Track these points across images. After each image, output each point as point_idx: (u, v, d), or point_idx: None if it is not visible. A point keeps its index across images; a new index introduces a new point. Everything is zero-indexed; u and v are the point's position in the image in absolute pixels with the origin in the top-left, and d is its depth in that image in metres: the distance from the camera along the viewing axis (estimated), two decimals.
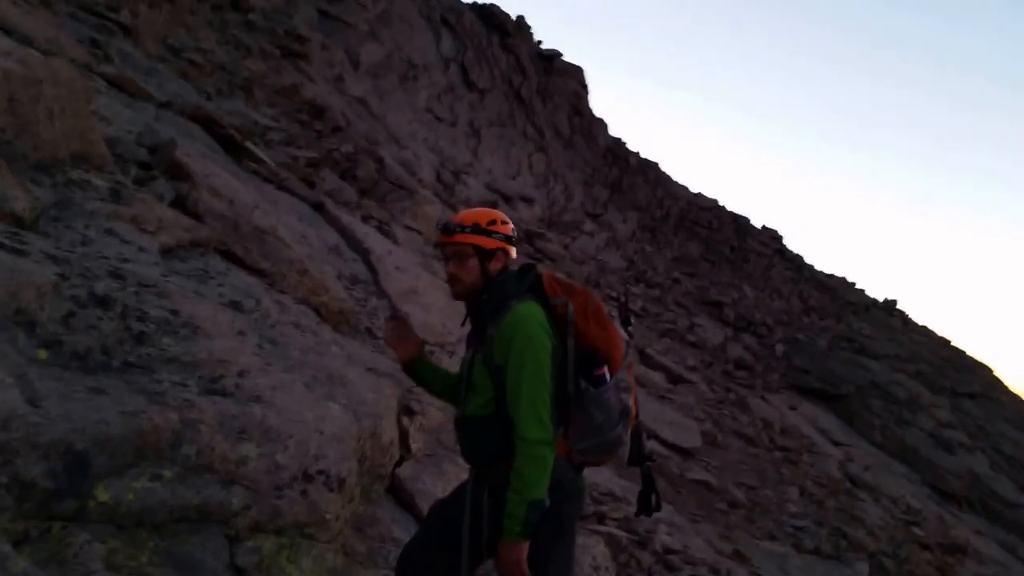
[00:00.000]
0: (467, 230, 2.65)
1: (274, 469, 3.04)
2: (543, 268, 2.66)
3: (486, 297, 2.66)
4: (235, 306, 4.07)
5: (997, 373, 30.93)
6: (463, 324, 2.86)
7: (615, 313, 2.73)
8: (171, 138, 5.66)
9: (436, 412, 5.51)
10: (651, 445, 11.30)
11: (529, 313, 2.53)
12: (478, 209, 2.84)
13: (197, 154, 6.22)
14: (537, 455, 2.41)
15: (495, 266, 2.67)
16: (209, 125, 7.75)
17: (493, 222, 2.70)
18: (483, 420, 2.65)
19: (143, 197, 4.49)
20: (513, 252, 2.76)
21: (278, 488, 3.05)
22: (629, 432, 2.67)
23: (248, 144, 8.18)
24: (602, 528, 6.41)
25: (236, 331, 3.66)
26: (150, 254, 3.99)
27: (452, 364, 8.02)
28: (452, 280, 2.72)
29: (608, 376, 2.55)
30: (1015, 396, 29.92)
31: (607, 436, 2.56)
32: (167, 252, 4.26)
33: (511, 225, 2.77)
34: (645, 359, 16.29)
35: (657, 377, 15.53)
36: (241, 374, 3.31)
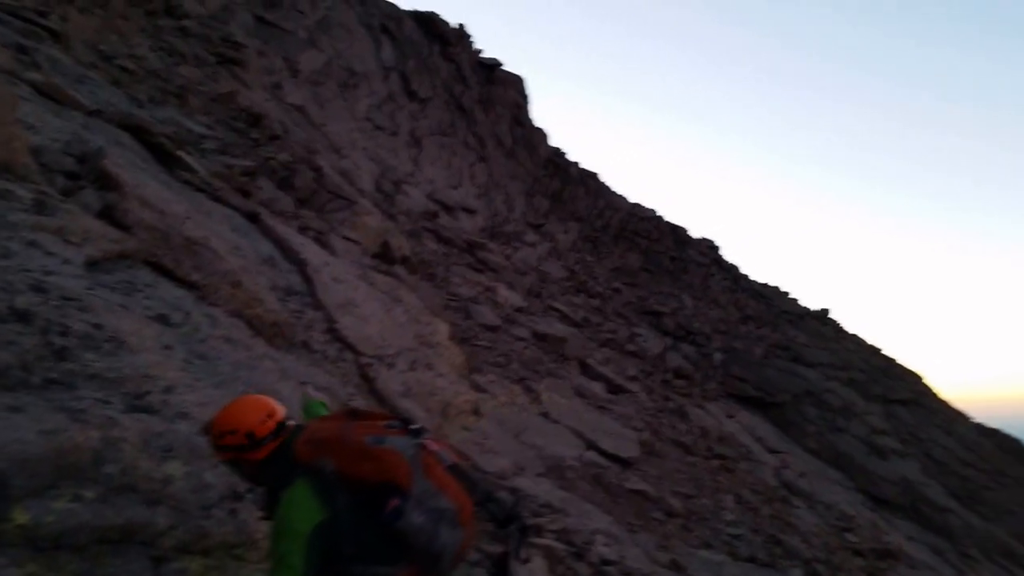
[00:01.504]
0: (230, 451, 2.61)
1: (201, 488, 3.01)
2: (304, 433, 2.63)
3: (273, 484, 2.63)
4: (162, 320, 4.01)
5: (927, 380, 32.02)
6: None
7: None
8: (100, 147, 5.55)
9: None
10: (590, 456, 11.43)
11: (289, 502, 2.50)
12: (243, 411, 2.68)
13: (127, 163, 6.09)
14: None
15: (265, 452, 2.63)
16: (140, 134, 7.59)
17: (254, 430, 2.62)
18: None
19: (69, 208, 4.39)
20: (280, 416, 2.70)
21: (206, 508, 3.02)
22: (464, 524, 2.62)
23: (181, 153, 8.03)
24: (540, 541, 6.45)
25: (163, 345, 3.61)
26: (75, 266, 3.90)
27: (390, 377, 8.00)
28: (243, 480, 2.73)
29: (403, 504, 2.51)
30: (944, 403, 30.98)
31: (432, 549, 2.54)
32: (93, 264, 4.17)
33: (278, 413, 2.69)
34: (586, 370, 16.44)
35: (597, 387, 15.68)
36: (167, 390, 3.27)
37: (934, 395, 31.06)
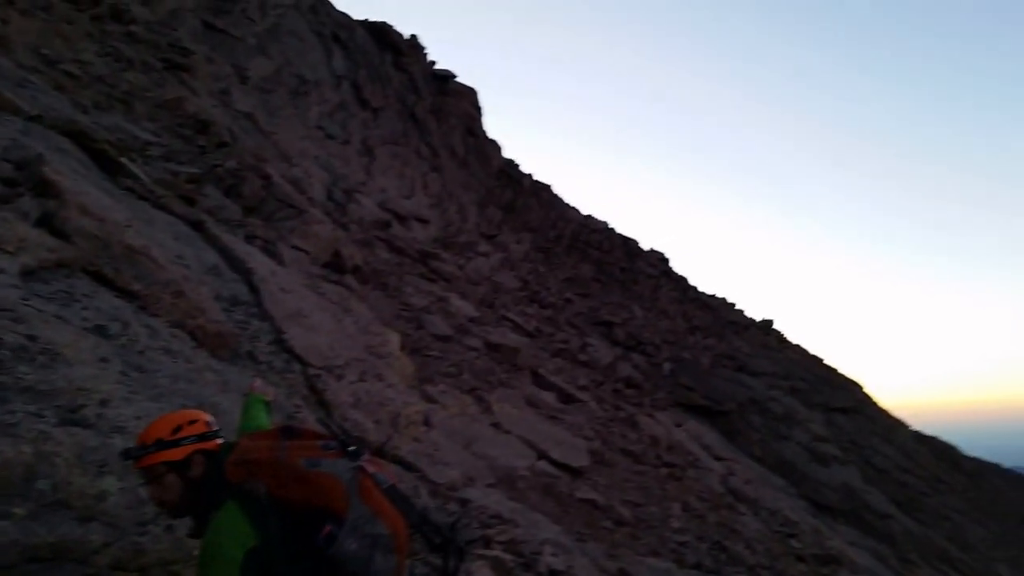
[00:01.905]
0: (150, 449, 2.52)
1: (137, 504, 2.93)
2: (234, 453, 2.55)
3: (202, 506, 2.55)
4: (100, 331, 3.90)
5: (867, 389, 32.83)
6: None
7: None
8: (39, 153, 5.40)
9: None
10: (541, 466, 11.44)
11: (218, 527, 2.42)
12: (163, 417, 2.66)
13: (68, 170, 5.94)
14: None
15: (196, 472, 2.55)
16: (83, 140, 7.40)
17: (179, 428, 2.57)
18: None
19: (5, 216, 4.27)
20: (216, 443, 2.64)
21: (141, 524, 2.94)
22: (399, 551, 2.57)
23: (124, 160, 7.85)
24: (488, 552, 6.42)
25: (99, 357, 3.51)
26: (9, 276, 3.78)
27: (339, 388, 7.91)
28: (158, 504, 2.59)
29: (337, 530, 2.44)
30: (884, 411, 31.80)
31: (370, 570, 2.47)
32: (29, 274, 4.05)
33: (203, 420, 2.64)
34: (538, 379, 16.47)
35: (549, 397, 15.70)
36: (103, 403, 3.18)
37: (873, 403, 31.84)
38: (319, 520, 2.43)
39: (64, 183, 5.27)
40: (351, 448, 2.58)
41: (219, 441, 2.64)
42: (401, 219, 22.47)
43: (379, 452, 7.62)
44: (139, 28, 14.75)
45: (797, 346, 33.57)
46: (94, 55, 12.44)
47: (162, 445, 2.51)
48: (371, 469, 2.57)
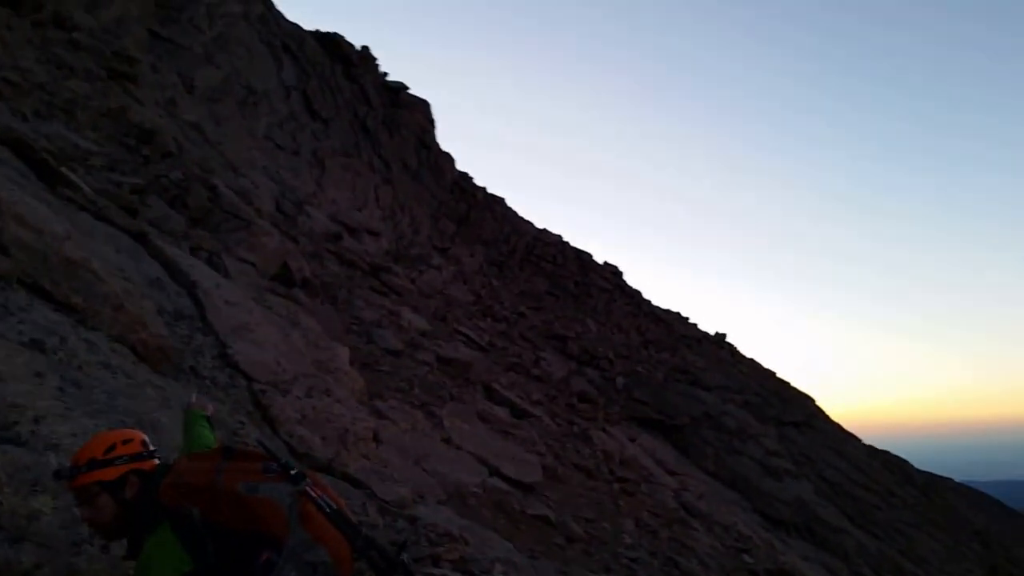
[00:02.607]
0: (83, 470, 2.46)
1: (71, 524, 2.87)
2: (170, 475, 2.53)
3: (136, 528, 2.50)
4: (36, 345, 3.83)
5: (818, 403, 33.45)
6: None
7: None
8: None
9: None
10: (493, 482, 11.41)
11: (151, 551, 2.38)
12: (97, 436, 2.61)
13: (4, 180, 5.81)
14: None
15: (130, 493, 2.50)
16: (21, 149, 7.24)
17: (112, 447, 2.52)
18: None
19: None
20: (152, 463, 2.60)
21: (76, 544, 2.88)
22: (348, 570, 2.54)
23: (64, 169, 7.70)
24: (437, 571, 6.40)
25: (34, 372, 3.45)
26: None
27: (286, 404, 7.83)
28: (91, 525, 2.55)
29: (276, 557, 2.38)
30: (835, 425, 32.44)
31: None
32: None
33: (138, 439, 2.60)
34: (491, 394, 16.45)
35: (501, 412, 15.70)
36: (37, 420, 3.12)
37: (825, 417, 32.46)
38: (257, 546, 2.39)
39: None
40: (294, 471, 2.52)
41: (155, 461, 2.59)
42: (352, 232, 22.34)
43: (326, 469, 7.55)
44: (82, 36, 14.48)
45: (750, 360, 34.11)
46: (35, 62, 12.19)
47: (94, 465, 2.46)
48: (314, 493, 2.51)
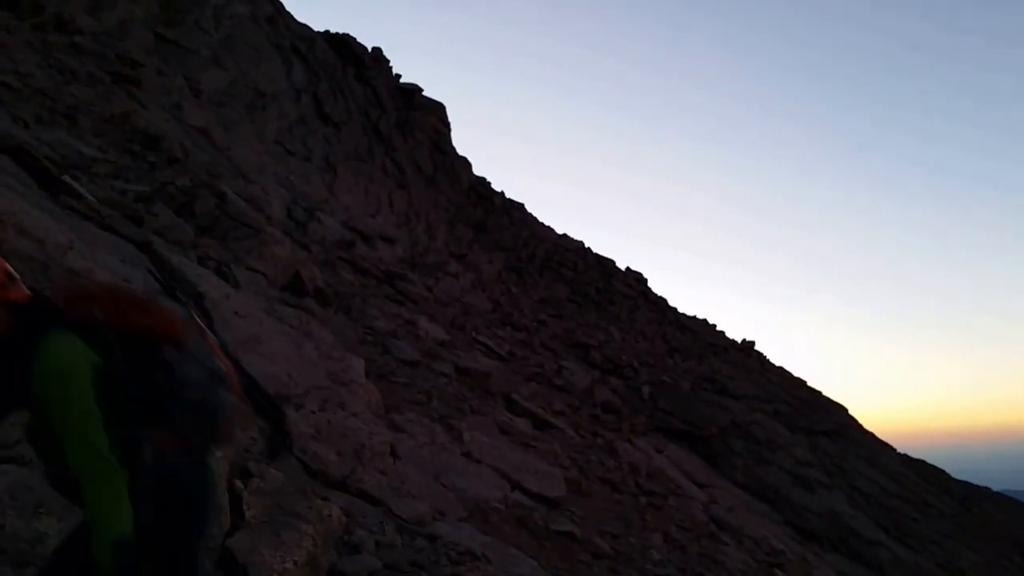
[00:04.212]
0: None
1: None
2: (59, 289, 2.51)
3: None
4: None
5: (851, 412, 33.14)
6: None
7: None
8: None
9: (275, 473, 5.30)
10: (515, 497, 11.33)
11: (55, 350, 2.28)
12: None
13: (4, 189, 5.81)
14: (106, 489, 2.24)
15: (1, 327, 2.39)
16: (21, 156, 7.26)
17: None
18: None
19: None
20: (23, 294, 2.43)
21: None
22: (235, 393, 2.63)
23: (66, 178, 7.71)
24: None
25: None
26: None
27: (299, 419, 7.78)
28: None
29: (178, 353, 2.47)
30: (869, 434, 32.09)
31: (209, 406, 2.50)
32: None
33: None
34: (512, 405, 16.37)
35: (523, 424, 15.60)
36: None
37: (858, 426, 32.15)
38: (159, 348, 2.43)
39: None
40: (180, 297, 2.65)
41: (25, 291, 2.44)
42: (366, 239, 22.34)
43: (342, 486, 7.49)
44: (84, 39, 14.58)
45: (779, 368, 33.83)
46: (35, 67, 12.27)
47: None
48: (199, 323, 2.65)
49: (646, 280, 34.99)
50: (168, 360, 2.42)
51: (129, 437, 2.32)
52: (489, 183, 33.02)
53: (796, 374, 34.32)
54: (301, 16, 27.54)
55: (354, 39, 28.01)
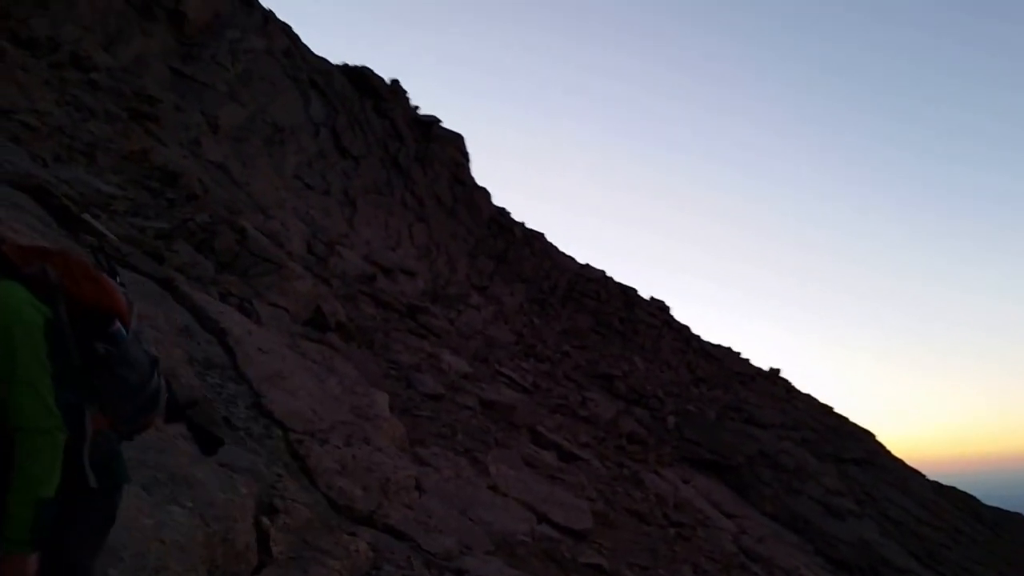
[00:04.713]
0: None
1: None
2: (7, 244, 2.43)
3: None
4: None
5: (879, 438, 32.63)
6: None
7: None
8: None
9: (302, 509, 5.22)
10: (542, 530, 11.16)
11: (8, 295, 2.25)
12: None
13: (25, 228, 5.82)
14: (46, 444, 2.17)
15: None
16: (41, 195, 7.30)
17: None
18: None
19: None
20: None
21: None
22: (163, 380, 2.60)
23: (86, 216, 7.74)
24: None
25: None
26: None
27: (324, 454, 7.69)
28: None
29: (124, 330, 2.42)
30: (898, 461, 31.57)
31: (147, 391, 2.46)
32: None
33: None
34: (537, 437, 16.21)
35: (548, 456, 15.43)
36: None
37: (887, 453, 31.67)
38: (101, 322, 2.38)
39: (20, 242, 5.13)
40: (120, 282, 2.59)
41: None
42: (387, 272, 22.35)
43: (368, 521, 7.39)
44: (101, 76, 14.74)
45: (806, 396, 33.42)
46: (53, 104, 12.41)
47: None
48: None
49: (669, 308, 34.74)
50: (114, 335, 2.37)
51: (70, 403, 2.26)
52: (509, 214, 33.03)
53: (823, 401, 33.90)
54: (318, 49, 27.81)
55: (372, 71, 28.24)
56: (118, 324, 2.40)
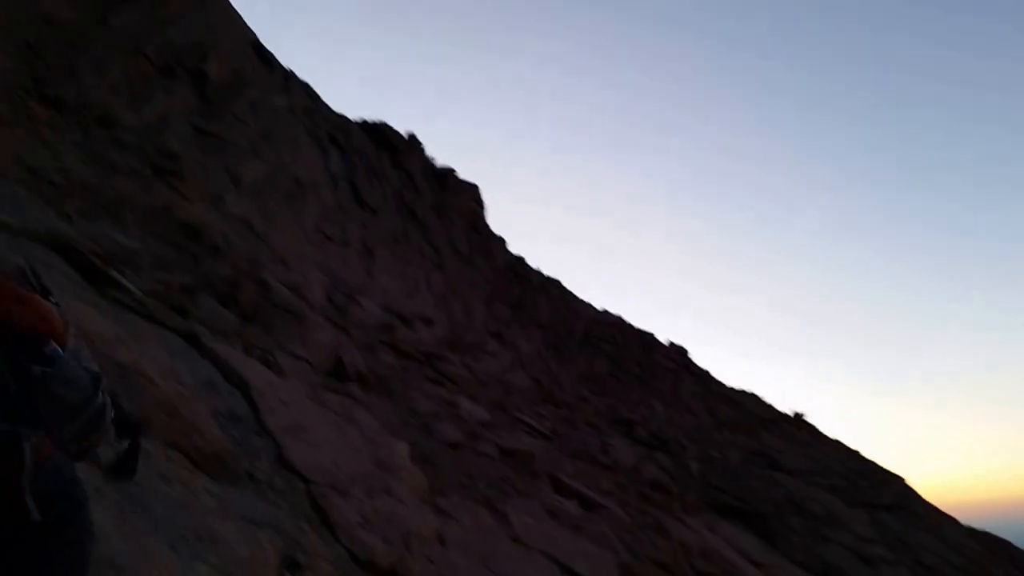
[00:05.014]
0: None
1: None
2: None
3: None
4: (90, 459, 3.77)
5: (910, 483, 32.01)
6: None
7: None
8: (22, 269, 5.37)
9: (325, 564, 5.19)
10: None
11: None
12: None
13: (53, 285, 5.90)
14: None
15: None
16: (67, 252, 7.43)
17: None
18: None
19: None
20: None
21: None
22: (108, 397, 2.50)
23: (112, 271, 7.85)
24: None
25: (93, 488, 3.37)
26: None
27: (346, 506, 7.66)
28: None
29: (60, 350, 2.32)
30: (930, 506, 30.93)
31: (90, 409, 2.37)
32: None
33: None
34: (557, 485, 16.05)
35: (570, 505, 15.26)
36: (97, 541, 3.02)
37: (919, 498, 31.05)
38: (35, 344, 2.28)
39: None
40: (53, 301, 2.50)
41: None
42: (405, 321, 22.42)
43: (391, 575, 7.33)
44: (126, 133, 15.04)
45: (833, 440, 32.97)
46: (79, 162, 12.65)
47: None
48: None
49: (688, 353, 34.58)
50: (49, 355, 2.30)
51: (3, 432, 2.18)
52: (525, 261, 33.21)
53: (850, 445, 33.39)
54: (337, 105, 28.35)
55: (388, 126, 28.70)
56: (53, 344, 2.32)
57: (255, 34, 22.72)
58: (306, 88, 25.01)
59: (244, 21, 22.49)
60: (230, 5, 21.83)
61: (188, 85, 18.55)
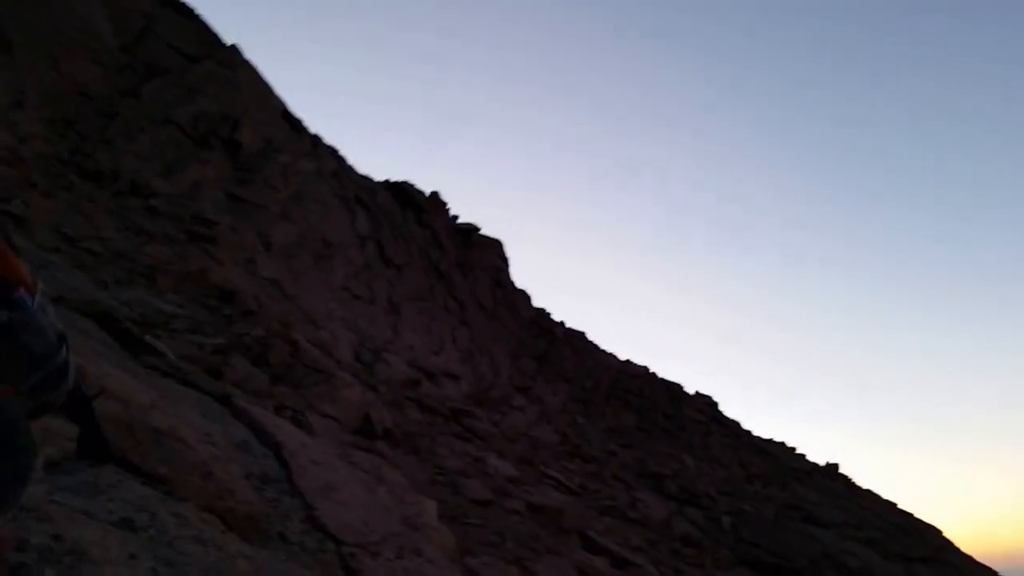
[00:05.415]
0: None
1: None
2: None
3: None
4: (127, 524, 3.86)
5: (947, 534, 31.24)
6: None
7: None
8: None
9: None
10: None
11: None
12: None
13: (90, 352, 6.07)
14: None
15: None
16: (105, 319, 7.62)
17: None
18: None
19: None
20: None
21: None
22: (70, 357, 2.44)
23: (147, 338, 8.03)
24: None
25: (128, 555, 3.45)
26: (33, 470, 3.78)
27: (376, 567, 7.65)
28: None
29: (29, 299, 2.29)
30: (967, 557, 30.11)
31: (54, 362, 2.32)
32: (53, 466, 4.06)
33: None
34: (587, 542, 15.87)
35: (600, 562, 15.06)
36: None
37: (956, 550, 30.25)
38: (7, 289, 2.26)
39: (86, 367, 5.37)
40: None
41: None
42: (431, 377, 22.51)
43: None
44: (160, 202, 15.47)
45: (867, 491, 32.31)
46: (115, 231, 13.01)
47: None
48: None
49: (717, 404, 34.26)
50: (17, 301, 2.27)
51: None
52: (549, 314, 33.29)
53: (885, 496, 32.70)
54: (362, 167, 28.92)
55: (412, 186, 29.20)
56: (22, 290, 2.30)
57: (283, 102, 23.39)
58: (332, 151, 25.61)
59: (272, 89, 23.18)
60: (259, 74, 22.53)
61: (221, 152, 19.08)
